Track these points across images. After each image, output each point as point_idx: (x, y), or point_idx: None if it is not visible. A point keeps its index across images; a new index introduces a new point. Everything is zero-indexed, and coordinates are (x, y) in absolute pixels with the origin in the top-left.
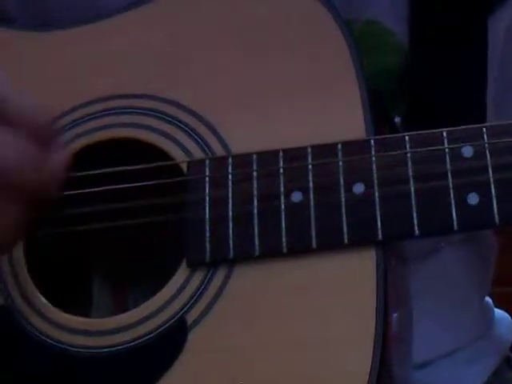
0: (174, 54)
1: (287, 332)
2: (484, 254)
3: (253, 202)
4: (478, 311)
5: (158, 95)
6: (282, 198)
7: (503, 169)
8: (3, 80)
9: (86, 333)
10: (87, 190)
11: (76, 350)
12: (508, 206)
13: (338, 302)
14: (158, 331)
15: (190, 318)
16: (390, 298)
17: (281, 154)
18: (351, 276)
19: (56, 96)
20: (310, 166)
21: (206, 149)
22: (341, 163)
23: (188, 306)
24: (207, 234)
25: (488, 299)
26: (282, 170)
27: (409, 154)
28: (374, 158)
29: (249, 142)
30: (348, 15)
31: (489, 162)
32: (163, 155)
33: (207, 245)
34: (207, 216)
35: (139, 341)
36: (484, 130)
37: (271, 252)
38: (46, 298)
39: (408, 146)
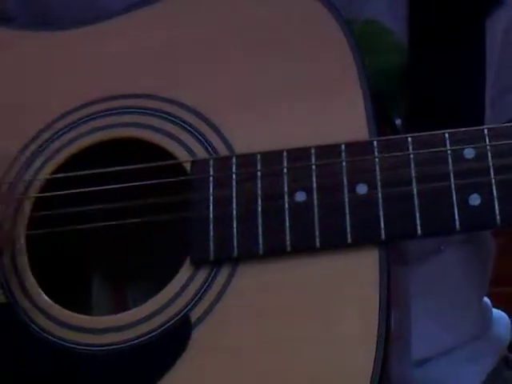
0: (174, 55)
1: (290, 330)
2: (483, 255)
3: (257, 202)
4: (477, 311)
5: (160, 95)
6: (286, 197)
7: (505, 170)
8: None
9: (89, 331)
10: (89, 189)
11: (79, 347)
12: (509, 207)
13: (341, 302)
14: (161, 329)
15: (194, 315)
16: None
17: (285, 153)
18: (354, 275)
19: (57, 96)
20: (314, 167)
21: (209, 148)
22: (344, 164)
23: (192, 304)
24: (211, 233)
25: (486, 299)
26: (285, 170)
27: (411, 156)
28: (377, 159)
29: (252, 141)
30: (348, 15)
31: (490, 164)
32: (166, 155)
33: (211, 243)
34: (211, 215)
35: (143, 339)
36: (486, 131)
37: (275, 251)
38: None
39: (411, 147)
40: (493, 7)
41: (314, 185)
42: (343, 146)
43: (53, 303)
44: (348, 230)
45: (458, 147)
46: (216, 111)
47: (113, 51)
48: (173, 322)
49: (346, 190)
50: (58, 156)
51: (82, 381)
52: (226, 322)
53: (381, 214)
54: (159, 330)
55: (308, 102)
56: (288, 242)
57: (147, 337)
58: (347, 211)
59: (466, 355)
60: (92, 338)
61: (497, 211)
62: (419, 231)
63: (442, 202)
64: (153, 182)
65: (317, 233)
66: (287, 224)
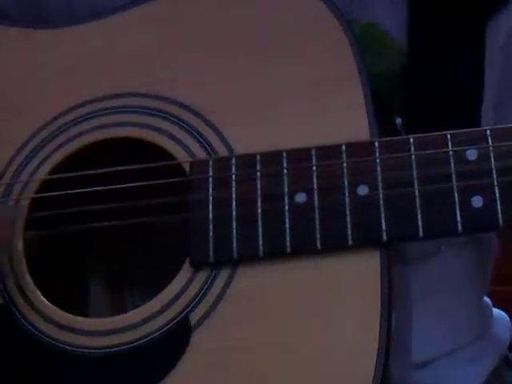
0: (174, 55)
1: (290, 333)
2: (484, 255)
3: (257, 203)
4: (477, 311)
5: (159, 95)
6: (286, 198)
7: (507, 172)
8: None
9: (88, 333)
10: (88, 190)
11: (78, 350)
12: None
13: (342, 304)
14: (161, 331)
15: (194, 318)
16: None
17: (284, 154)
18: (355, 277)
19: (54, 95)
20: (314, 167)
21: (208, 149)
22: (345, 165)
23: (191, 305)
24: (211, 234)
25: (486, 299)
26: (285, 171)
27: (413, 157)
28: (378, 160)
29: (251, 142)
30: (349, 16)
31: (493, 165)
32: (166, 155)
33: (211, 245)
34: (211, 216)
35: (142, 341)
36: (488, 132)
37: (275, 252)
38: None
39: (412, 148)
40: (493, 11)
41: (315, 186)
42: (344, 147)
43: (51, 305)
44: (349, 231)
45: (460, 148)
46: (216, 111)
47: (112, 49)
48: (172, 324)
49: (346, 192)
50: (55, 156)
51: (81, 383)
52: (225, 324)
53: (382, 215)
54: (158, 333)
55: (308, 102)
56: (288, 244)
57: (146, 339)
58: (348, 213)
59: (467, 356)
60: (90, 340)
61: (499, 213)
62: (421, 233)
63: (443, 203)
64: (152, 182)
65: (317, 234)
66: (287, 225)
